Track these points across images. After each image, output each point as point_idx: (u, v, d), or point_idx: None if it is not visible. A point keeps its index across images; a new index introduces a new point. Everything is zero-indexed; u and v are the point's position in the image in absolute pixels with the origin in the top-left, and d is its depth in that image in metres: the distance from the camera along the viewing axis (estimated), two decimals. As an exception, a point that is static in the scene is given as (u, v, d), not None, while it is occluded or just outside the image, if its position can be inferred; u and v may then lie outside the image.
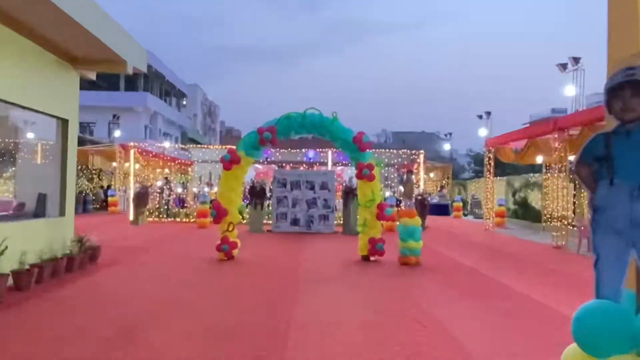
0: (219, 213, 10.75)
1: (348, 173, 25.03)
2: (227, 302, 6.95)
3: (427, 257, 11.17)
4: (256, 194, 17.23)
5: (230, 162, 10.82)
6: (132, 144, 21.23)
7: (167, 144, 45.84)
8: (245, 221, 17.68)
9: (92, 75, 10.44)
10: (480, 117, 31.92)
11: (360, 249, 11.25)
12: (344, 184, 17.31)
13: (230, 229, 10.82)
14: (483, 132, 31.09)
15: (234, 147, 11.22)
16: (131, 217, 19.44)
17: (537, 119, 63.26)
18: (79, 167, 26.85)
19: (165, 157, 26.32)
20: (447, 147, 42.00)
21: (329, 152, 21.06)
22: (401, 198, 17.55)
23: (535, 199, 22.23)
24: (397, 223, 11.33)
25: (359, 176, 10.96)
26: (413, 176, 10.67)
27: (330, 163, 20.89)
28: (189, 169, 38.12)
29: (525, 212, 21.91)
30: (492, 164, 20.12)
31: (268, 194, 19.76)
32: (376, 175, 11.08)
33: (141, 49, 10.07)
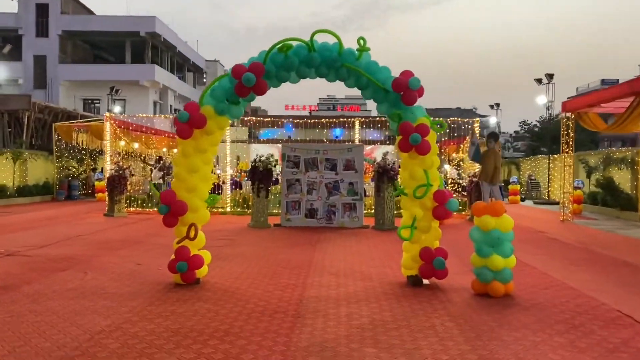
0: (171, 209, 6.49)
1: (379, 153, 20.61)
2: None
3: (514, 276, 6.78)
4: (260, 177, 12.94)
5: (188, 125, 6.51)
6: (106, 114, 17.15)
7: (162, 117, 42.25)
8: (249, 211, 13.47)
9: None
10: (540, 81, 26.77)
11: (405, 265, 6.88)
12: (377, 163, 12.87)
13: (191, 234, 6.56)
14: (542, 100, 26.18)
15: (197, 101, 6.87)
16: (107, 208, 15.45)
17: (584, 91, 57.54)
18: (64, 146, 23.07)
19: (159, 133, 22.25)
20: (492, 120, 36.74)
21: (356, 123, 16.55)
22: (474, 180, 12.63)
23: (623, 180, 17.35)
24: (472, 226, 6.84)
25: (404, 146, 6.53)
26: (496, 143, 6.07)
27: (357, 132, 16.35)
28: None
29: (611, 198, 17.05)
30: (573, 134, 15.31)
31: (276, 176, 15.51)
32: (433, 145, 6.63)
33: None
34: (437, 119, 6.81)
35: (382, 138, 33.48)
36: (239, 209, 16.12)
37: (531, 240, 11.01)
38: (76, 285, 6.61)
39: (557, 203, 22.28)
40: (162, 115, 27.21)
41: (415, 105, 6.65)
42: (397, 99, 6.56)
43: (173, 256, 6.65)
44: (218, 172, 20.38)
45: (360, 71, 6.57)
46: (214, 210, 16.05)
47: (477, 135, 6.72)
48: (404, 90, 6.48)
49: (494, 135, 6.46)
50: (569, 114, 15.18)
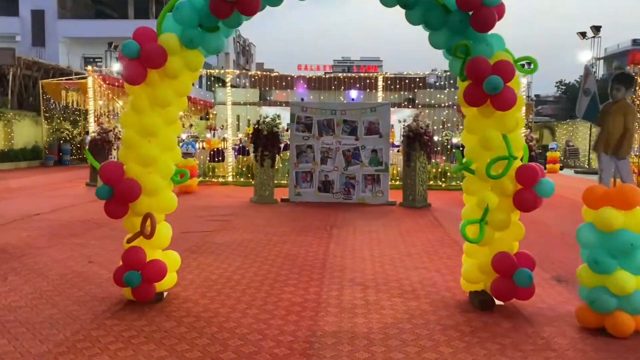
0: (116, 192, 4.26)
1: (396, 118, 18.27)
2: None
3: None
4: (264, 142, 10.65)
5: (138, 63, 4.19)
6: (89, 67, 14.85)
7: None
8: (254, 182, 11.25)
9: None
10: (584, 34, 23.76)
11: (469, 276, 4.62)
12: (407, 125, 10.48)
13: (147, 230, 4.33)
14: (587, 56, 23.26)
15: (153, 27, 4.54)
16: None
17: (614, 52, 53.68)
18: (53, 107, 20.93)
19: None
20: (523, 79, 33.73)
21: (379, 79, 14.05)
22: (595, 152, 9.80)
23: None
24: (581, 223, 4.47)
25: (473, 97, 4.19)
26: (627, 90, 3.64)
27: (380, 92, 13.85)
28: (211, 112, 32.00)
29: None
30: (642, 92, 12.73)
31: (285, 140, 13.27)
32: (519, 96, 4.26)
33: None
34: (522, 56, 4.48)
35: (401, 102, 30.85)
36: (242, 179, 13.91)
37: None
38: (-20, 301, 4.48)
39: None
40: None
41: (491, 32, 4.27)
42: (464, 21, 4.17)
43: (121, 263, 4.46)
44: (226, 135, 18.30)
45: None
46: (214, 180, 13.88)
47: (594, 77, 4.48)
48: (475, 7, 4.08)
49: (624, 79, 4.05)
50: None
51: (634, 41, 58.47)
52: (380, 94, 13.68)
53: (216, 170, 14.33)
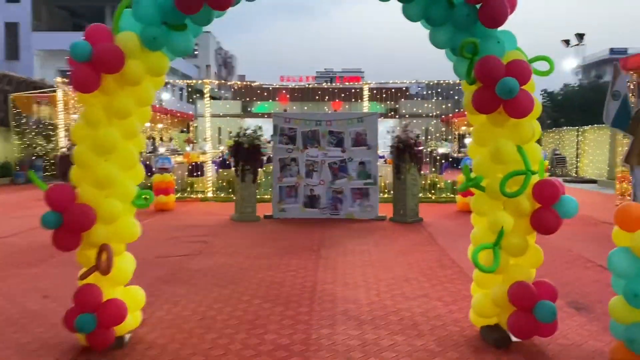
0: (65, 219, 3.58)
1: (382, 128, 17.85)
2: None
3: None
4: (245, 156, 9.99)
5: (90, 67, 3.54)
6: (58, 79, 14.10)
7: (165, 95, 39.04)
8: (235, 198, 10.52)
9: None
10: (568, 42, 23.62)
11: (480, 310, 4.01)
12: (395, 137, 9.92)
13: (103, 263, 3.64)
14: (572, 63, 23.11)
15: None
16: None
17: (592, 60, 54.21)
18: (25, 121, 20.02)
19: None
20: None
21: (365, 89, 13.52)
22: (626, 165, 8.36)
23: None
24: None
25: (484, 102, 3.62)
26: None
27: (366, 102, 13.31)
28: (191, 124, 31.23)
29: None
30: (635, 99, 12.32)
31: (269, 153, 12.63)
32: (536, 101, 3.69)
33: None
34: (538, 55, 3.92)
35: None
36: (222, 195, 13.20)
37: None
38: None
39: (593, 181, 19.52)
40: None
41: (499, 28, 3.71)
42: (471, 16, 3.61)
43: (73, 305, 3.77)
44: (205, 148, 17.64)
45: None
46: (192, 196, 13.15)
47: (627, 81, 3.87)
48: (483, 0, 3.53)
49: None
50: (631, 73, 12.15)
51: (612, 50, 59.30)
52: (366, 103, 13.13)
53: (195, 185, 13.61)
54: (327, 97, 27.53)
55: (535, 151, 3.79)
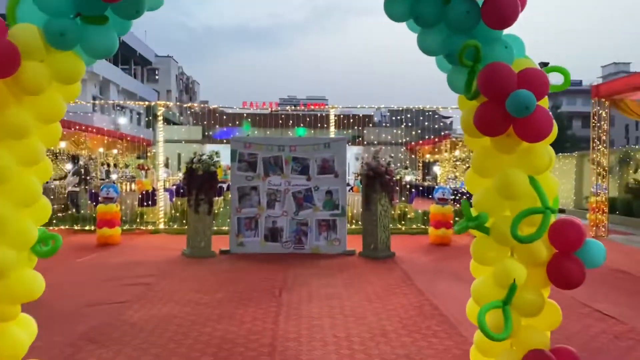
0: None
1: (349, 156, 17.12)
2: None
3: None
4: (199, 184, 9.01)
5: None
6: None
7: (122, 120, 37.58)
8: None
9: None
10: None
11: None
12: (364, 163, 9.17)
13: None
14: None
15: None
16: None
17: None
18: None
19: (97, 131, 17.94)
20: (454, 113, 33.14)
21: (331, 113, 12.80)
22: None
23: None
24: None
25: (488, 122, 2.84)
26: None
27: (332, 128, 12.57)
28: (149, 150, 29.88)
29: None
30: (607, 126, 12.05)
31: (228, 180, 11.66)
32: (553, 123, 2.95)
33: None
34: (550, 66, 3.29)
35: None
36: (176, 226, 12.10)
37: (607, 281, 7.45)
38: None
39: (561, 211, 19.27)
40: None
41: (504, 29, 2.99)
42: (471, 14, 2.87)
43: None
44: (165, 174, 16.55)
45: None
46: (142, 228, 12.00)
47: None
48: (489, -8, 2.79)
49: None
50: (603, 101, 11.89)
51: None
52: (332, 129, 12.39)
53: (145, 216, 12.46)
54: (291, 122, 26.85)
55: (551, 183, 3.04)
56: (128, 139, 27.28)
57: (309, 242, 9.26)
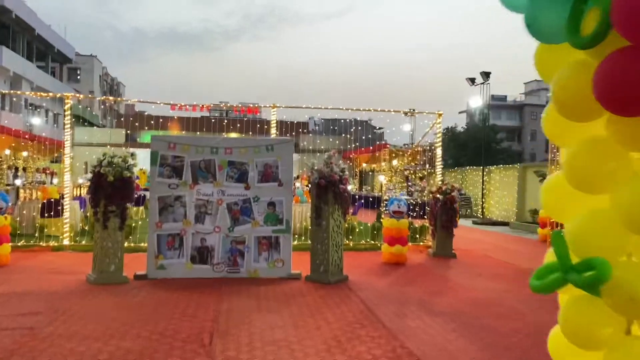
0: None
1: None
2: None
3: None
4: (108, 193, 7.21)
5: None
6: None
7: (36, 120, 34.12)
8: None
9: None
10: (473, 81, 23.34)
11: None
12: (315, 170, 7.74)
13: None
14: (477, 102, 22.75)
15: None
16: None
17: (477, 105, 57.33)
18: None
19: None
20: (406, 127, 32.65)
21: (272, 112, 11.30)
22: (440, 197, 7.39)
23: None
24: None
25: (631, 84, 1.49)
26: None
27: (274, 122, 11.04)
28: (63, 153, 26.94)
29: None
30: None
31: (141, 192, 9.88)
32: None
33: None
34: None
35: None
36: (84, 242, 10.11)
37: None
38: None
39: (504, 223, 18.77)
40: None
41: None
42: None
43: None
44: (81, 180, 14.50)
45: None
46: (42, 244, 9.92)
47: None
48: None
49: None
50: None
51: (492, 97, 63.73)
52: (274, 130, 10.88)
53: (47, 229, 10.37)
54: (226, 126, 25.11)
55: None
56: (42, 140, 24.39)
57: (246, 264, 7.70)
